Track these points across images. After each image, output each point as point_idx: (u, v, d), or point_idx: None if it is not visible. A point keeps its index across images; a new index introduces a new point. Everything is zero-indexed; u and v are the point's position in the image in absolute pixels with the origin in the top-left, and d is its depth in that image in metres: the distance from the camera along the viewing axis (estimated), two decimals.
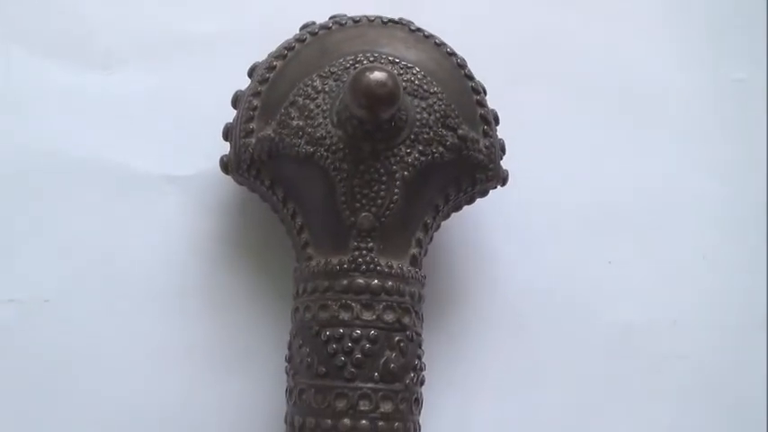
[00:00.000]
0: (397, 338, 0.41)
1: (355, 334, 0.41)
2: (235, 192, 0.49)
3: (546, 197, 0.52)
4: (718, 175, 0.55)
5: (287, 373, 0.43)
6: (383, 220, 0.42)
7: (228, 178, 0.47)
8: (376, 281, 0.41)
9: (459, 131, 0.43)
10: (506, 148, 0.47)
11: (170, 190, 0.49)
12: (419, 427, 0.43)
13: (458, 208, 0.47)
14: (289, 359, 0.43)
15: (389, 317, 0.42)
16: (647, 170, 0.54)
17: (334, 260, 0.42)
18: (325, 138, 0.42)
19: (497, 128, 0.46)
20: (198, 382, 0.48)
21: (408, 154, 0.42)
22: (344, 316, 0.41)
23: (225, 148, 0.46)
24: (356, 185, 0.42)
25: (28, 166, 0.49)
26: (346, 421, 0.40)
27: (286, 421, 0.43)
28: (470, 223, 0.51)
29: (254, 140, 0.44)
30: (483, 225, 0.52)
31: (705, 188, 0.54)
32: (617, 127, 0.54)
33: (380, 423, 0.40)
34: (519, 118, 0.49)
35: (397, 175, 0.42)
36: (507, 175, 0.46)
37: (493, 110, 0.46)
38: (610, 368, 0.52)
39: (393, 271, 0.42)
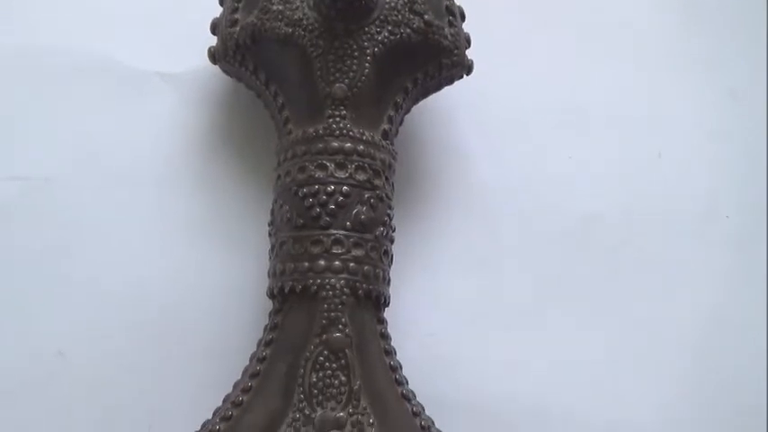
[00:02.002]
0: (367, 195, 0.46)
1: (329, 189, 0.45)
2: (223, 87, 0.54)
3: (512, 95, 0.56)
4: (677, 78, 0.58)
5: (269, 235, 0.47)
6: (355, 90, 0.46)
7: (217, 74, 0.52)
8: (349, 144, 0.46)
9: (426, 17, 0.48)
10: (475, 45, 0.51)
11: (163, 86, 0.53)
12: (388, 277, 0.47)
13: (426, 93, 0.51)
14: (271, 222, 0.47)
15: (361, 176, 0.46)
16: (607, 74, 0.58)
17: (311, 129, 0.46)
18: (302, 19, 0.47)
19: (463, 24, 0.51)
20: (188, 260, 0.52)
21: (378, 33, 0.47)
22: (320, 174, 0.45)
23: (213, 43, 0.50)
24: (330, 60, 0.46)
25: (27, 62, 0.52)
26: (321, 262, 0.44)
27: (269, 276, 0.47)
28: (440, 119, 0.55)
29: (238, 28, 0.48)
30: (452, 121, 0.56)
31: (663, 92, 0.58)
32: (587, 33, 0.58)
33: (351, 264, 0.44)
34: (489, 17, 0.54)
35: (368, 51, 0.47)
36: (472, 64, 0.51)
37: (459, 6, 0.51)
38: (568, 253, 0.56)
39: (365, 137, 0.46)
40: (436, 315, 0.54)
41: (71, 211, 0.51)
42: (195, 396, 0.48)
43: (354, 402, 0.43)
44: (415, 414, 0.45)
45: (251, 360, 0.46)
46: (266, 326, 0.46)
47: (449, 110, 0.55)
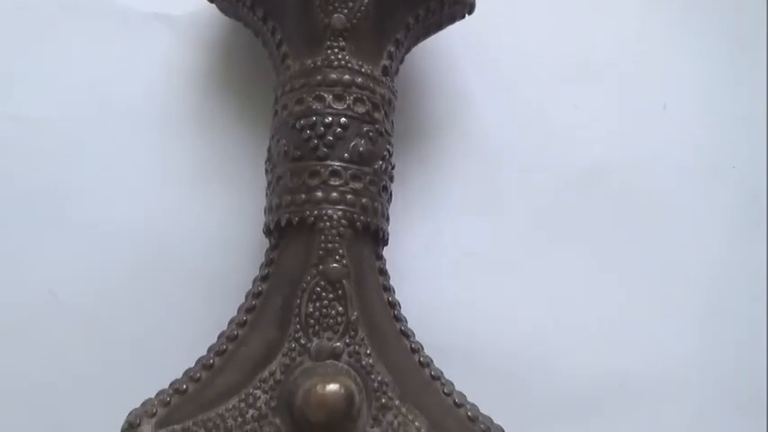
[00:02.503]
0: (366, 128, 0.45)
1: (327, 120, 0.44)
2: (221, 28, 0.53)
3: (516, 41, 0.55)
4: (683, 29, 0.58)
5: (266, 172, 0.46)
6: (354, 21, 0.45)
7: (215, 15, 0.51)
8: (347, 75, 0.45)
9: None
10: None
11: (161, 27, 0.53)
12: (387, 213, 0.46)
13: (427, 32, 0.50)
14: (268, 158, 0.46)
15: (360, 108, 0.45)
16: (613, 23, 0.57)
17: (309, 61, 0.45)
18: None
19: None
20: (185, 201, 0.51)
21: None
22: (317, 106, 0.44)
23: None
24: None
25: (23, 2, 0.52)
26: (318, 194, 0.43)
27: (265, 213, 0.46)
28: (443, 63, 0.55)
29: None
30: (455, 65, 0.55)
31: (669, 42, 0.57)
32: None
33: (349, 196, 0.43)
34: None
35: None
36: (474, 3, 0.50)
37: None
38: (570, 199, 0.55)
39: (364, 70, 0.45)
40: (436, 259, 0.53)
41: (67, 152, 0.51)
42: (192, 335, 0.47)
43: (351, 333, 0.42)
44: (414, 350, 0.44)
45: (247, 296, 0.45)
46: (262, 263, 0.45)
47: (451, 54, 0.54)
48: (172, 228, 0.50)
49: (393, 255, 0.48)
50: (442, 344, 0.48)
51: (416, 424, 0.41)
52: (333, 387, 0.37)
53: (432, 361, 0.45)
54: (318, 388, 0.37)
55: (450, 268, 0.53)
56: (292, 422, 0.39)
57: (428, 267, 0.53)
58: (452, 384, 0.45)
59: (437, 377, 0.44)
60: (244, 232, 0.50)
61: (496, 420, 0.44)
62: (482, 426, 0.43)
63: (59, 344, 0.48)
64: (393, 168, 0.47)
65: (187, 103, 0.52)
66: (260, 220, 0.47)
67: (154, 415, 0.41)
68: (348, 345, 0.41)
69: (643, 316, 0.54)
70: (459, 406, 0.43)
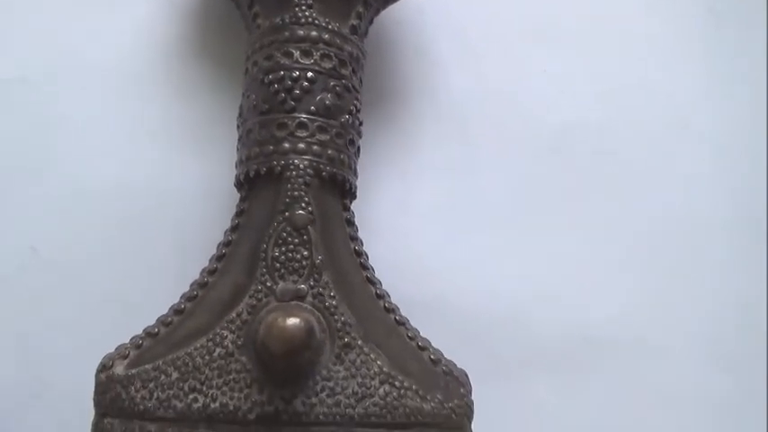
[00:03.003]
0: (333, 83, 0.46)
1: (294, 74, 0.45)
2: None
3: (488, 5, 0.57)
4: None
5: (237, 128, 0.48)
6: None
7: None
8: (314, 32, 0.46)
9: None
10: None
11: None
12: (355, 166, 0.47)
13: None
14: (239, 114, 0.48)
15: (327, 64, 0.46)
16: None
17: (278, 19, 0.47)
18: None
19: None
20: (161, 160, 0.53)
21: None
22: (285, 61, 0.46)
23: None
24: None
25: None
26: (286, 145, 0.45)
27: (236, 167, 0.47)
28: (413, 27, 0.56)
29: None
30: (425, 29, 0.56)
31: (643, 6, 0.59)
32: None
33: (315, 147, 0.45)
34: None
35: None
36: None
37: None
38: (541, 161, 0.56)
39: (331, 27, 0.47)
40: (407, 219, 0.54)
41: (47, 112, 0.52)
42: (167, 287, 0.48)
43: (316, 276, 0.43)
44: (379, 296, 0.45)
45: (218, 247, 0.46)
46: (233, 215, 0.46)
47: (422, 18, 0.56)
48: (147, 185, 0.52)
49: (363, 212, 0.50)
50: (412, 298, 0.49)
51: (378, 363, 0.42)
52: (293, 320, 0.39)
53: (398, 308, 0.46)
54: (279, 321, 0.39)
55: (420, 226, 0.54)
56: (257, 358, 0.41)
57: (398, 225, 0.54)
58: (417, 331, 0.46)
59: (402, 323, 0.45)
60: (217, 189, 0.52)
61: None
62: (444, 368, 0.44)
63: (40, 296, 0.50)
64: (361, 125, 0.48)
65: (162, 66, 0.54)
66: (232, 177, 0.49)
67: (126, 357, 0.43)
68: (312, 287, 0.43)
69: (608, 273, 0.55)
70: (422, 349, 0.45)
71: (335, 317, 0.43)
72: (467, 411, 0.44)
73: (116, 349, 0.43)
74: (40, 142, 0.52)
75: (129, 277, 0.51)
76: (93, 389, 0.43)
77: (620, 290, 0.55)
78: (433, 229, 0.54)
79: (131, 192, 0.52)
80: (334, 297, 0.43)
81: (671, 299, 0.56)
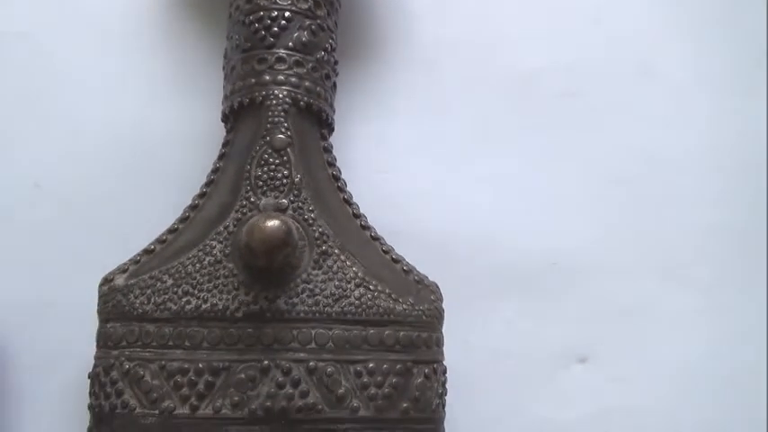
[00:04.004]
0: (308, 22, 0.50)
1: (273, 14, 0.50)
2: None
3: None
4: None
5: (223, 69, 0.52)
6: None
7: None
8: None
9: None
10: None
11: None
12: (331, 100, 0.51)
13: None
14: (224, 56, 0.52)
15: (302, 5, 0.50)
16: None
17: None
18: None
19: None
20: (155, 103, 0.57)
21: None
22: (264, 3, 0.50)
23: None
24: None
25: None
26: (266, 77, 0.49)
27: (222, 103, 0.52)
28: None
29: None
30: None
31: None
32: None
33: (293, 79, 0.49)
34: None
35: None
36: None
37: None
38: (510, 102, 0.60)
39: None
40: (383, 154, 0.58)
41: (47, 62, 0.56)
42: (159, 218, 0.52)
43: (296, 192, 0.47)
44: (356, 216, 0.50)
45: (207, 176, 0.50)
46: (220, 148, 0.51)
47: None
48: (141, 127, 0.56)
49: (342, 152, 0.53)
50: (389, 227, 0.53)
51: (354, 269, 0.47)
52: (273, 221, 0.43)
53: (374, 228, 0.50)
54: (260, 222, 0.43)
55: (395, 161, 0.58)
56: (242, 262, 0.45)
57: (374, 162, 0.58)
58: (392, 247, 0.50)
59: (377, 238, 0.50)
60: (206, 130, 0.56)
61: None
62: (416, 277, 0.49)
63: (44, 228, 0.54)
64: (336, 63, 0.52)
65: (155, 19, 0.58)
66: (216, 127, 0.53)
67: (126, 271, 0.47)
68: (293, 201, 0.47)
69: (575, 204, 0.59)
70: (395, 261, 0.49)
71: (313, 227, 0.47)
72: (437, 315, 0.48)
73: (116, 267, 0.48)
74: (41, 90, 0.56)
75: (125, 209, 0.55)
76: (95, 305, 0.47)
77: (586, 220, 0.59)
78: (408, 163, 0.58)
79: (127, 133, 0.56)
80: (312, 211, 0.47)
81: (633, 228, 0.59)
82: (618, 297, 0.58)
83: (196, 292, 0.45)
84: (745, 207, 0.61)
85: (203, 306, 0.45)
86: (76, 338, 0.50)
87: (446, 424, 0.49)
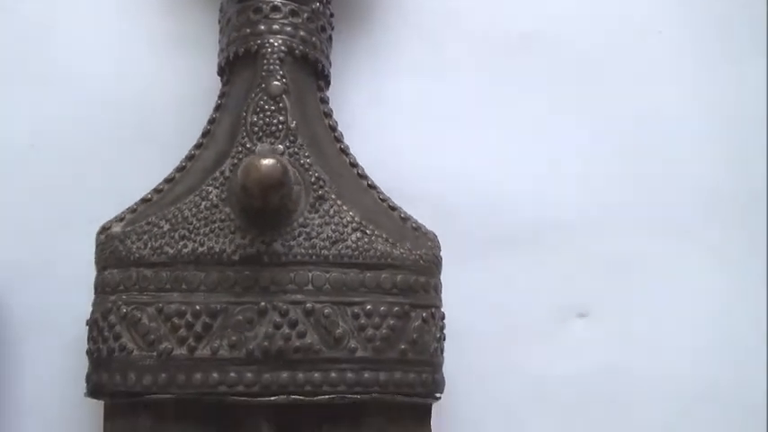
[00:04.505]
0: None
1: None
2: None
3: None
4: None
5: (218, 23, 0.52)
6: None
7: None
8: None
9: None
10: None
11: None
12: (327, 52, 0.51)
13: None
14: (220, 10, 0.52)
15: None
16: None
17: None
18: None
19: None
20: (148, 66, 0.57)
21: None
22: None
23: None
24: None
25: None
26: (261, 27, 0.48)
27: (218, 56, 0.52)
28: None
29: None
30: None
31: None
32: None
33: (288, 28, 0.49)
34: None
35: None
36: None
37: None
38: (511, 64, 0.59)
39: None
40: (380, 113, 0.58)
41: (42, 20, 0.57)
42: (160, 177, 0.52)
43: (291, 138, 0.47)
44: (353, 165, 0.50)
45: (204, 128, 0.50)
46: (216, 100, 0.51)
47: None
48: (137, 88, 0.56)
49: (338, 111, 0.53)
50: (387, 185, 0.52)
51: (351, 213, 0.47)
52: (268, 160, 0.43)
53: (371, 178, 0.50)
54: (255, 161, 0.43)
55: (394, 120, 0.58)
56: (239, 206, 0.45)
57: (373, 120, 0.58)
58: (389, 197, 0.50)
59: (374, 187, 0.50)
60: (205, 86, 0.56)
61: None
62: (413, 224, 0.49)
63: (40, 187, 0.55)
64: (332, 16, 0.52)
65: None
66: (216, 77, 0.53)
67: (123, 219, 0.47)
68: (288, 147, 0.47)
69: (575, 161, 0.59)
70: (392, 209, 0.49)
71: (309, 172, 0.47)
72: (434, 261, 0.48)
73: (114, 217, 0.48)
74: (36, 49, 0.56)
75: (122, 169, 0.55)
76: (93, 260, 0.47)
77: (586, 178, 0.59)
78: (407, 122, 0.58)
79: (124, 91, 0.56)
80: (308, 157, 0.47)
81: (634, 186, 0.59)
82: (618, 254, 0.58)
83: (193, 236, 0.45)
84: (745, 164, 0.60)
85: (200, 249, 0.45)
86: (75, 295, 0.50)
87: (445, 379, 0.49)
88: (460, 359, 0.54)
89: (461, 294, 0.54)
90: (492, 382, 0.56)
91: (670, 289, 0.58)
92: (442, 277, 0.50)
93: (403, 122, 0.59)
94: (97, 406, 0.48)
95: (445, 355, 0.50)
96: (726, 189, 0.60)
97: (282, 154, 0.47)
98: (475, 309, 0.56)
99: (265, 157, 0.43)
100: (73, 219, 0.54)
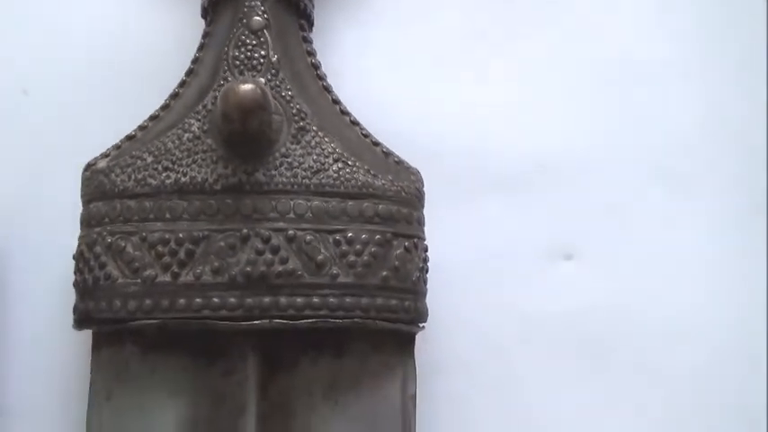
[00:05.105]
0: None
1: None
2: None
3: None
4: None
5: None
6: None
7: None
8: None
9: None
10: None
11: None
12: None
13: None
14: None
15: None
16: None
17: None
18: None
19: None
20: (136, 11, 0.57)
21: None
22: None
23: None
24: None
25: None
26: None
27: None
28: None
29: None
30: None
31: None
32: None
33: None
34: None
35: None
36: None
37: None
38: (497, 6, 0.60)
39: None
40: (368, 60, 0.58)
41: None
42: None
43: (273, 72, 0.48)
44: (335, 102, 0.50)
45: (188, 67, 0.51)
46: (200, 40, 0.51)
47: None
48: (129, 30, 0.56)
49: (324, 56, 0.53)
50: (374, 129, 0.53)
51: (332, 145, 0.47)
52: (247, 85, 0.43)
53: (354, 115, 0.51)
54: (233, 85, 0.43)
55: (381, 67, 0.58)
56: (221, 139, 0.46)
57: (359, 66, 0.58)
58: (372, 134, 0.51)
59: (357, 123, 0.50)
60: (192, 34, 0.56)
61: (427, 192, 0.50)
62: (395, 159, 0.49)
63: (33, 131, 0.55)
64: None
65: None
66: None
67: (107, 155, 0.48)
68: (269, 80, 0.48)
69: (562, 105, 0.59)
70: (375, 144, 0.50)
71: (291, 104, 0.47)
72: (417, 194, 0.49)
73: (99, 153, 0.49)
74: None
75: (112, 114, 0.55)
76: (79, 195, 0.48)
77: (573, 122, 0.59)
78: (393, 68, 0.58)
79: (113, 38, 0.56)
80: (290, 90, 0.48)
81: (620, 130, 0.59)
82: (605, 196, 0.58)
83: (175, 167, 0.46)
84: (735, 106, 0.60)
85: (182, 180, 0.45)
86: (63, 235, 0.51)
87: (431, 321, 0.50)
88: (446, 299, 0.54)
89: (448, 236, 0.55)
90: (478, 321, 0.56)
91: (657, 231, 0.58)
92: (428, 219, 0.50)
93: (390, 68, 0.59)
94: (86, 341, 0.48)
95: (430, 294, 0.50)
96: (715, 132, 0.60)
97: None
98: (461, 251, 0.57)
99: (244, 81, 0.43)
100: (65, 163, 0.54)
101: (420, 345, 0.50)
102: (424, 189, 0.50)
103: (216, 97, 0.47)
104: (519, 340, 0.56)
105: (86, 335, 0.48)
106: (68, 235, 0.49)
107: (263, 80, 0.47)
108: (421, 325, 0.48)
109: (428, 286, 0.50)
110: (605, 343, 0.57)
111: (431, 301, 0.50)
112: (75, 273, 0.47)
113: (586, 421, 0.56)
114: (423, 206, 0.50)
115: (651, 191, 0.59)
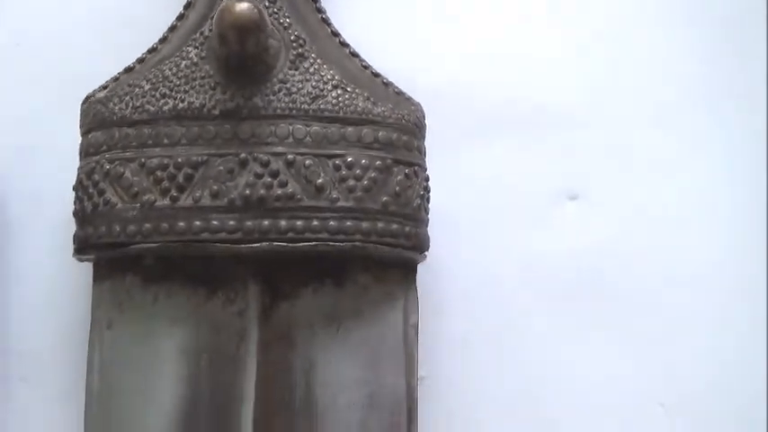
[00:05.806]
0: None
1: None
2: None
3: None
4: None
5: None
6: None
7: None
8: None
9: None
10: None
11: None
12: None
13: None
14: None
15: None
16: None
17: None
18: None
19: None
20: None
21: None
22: None
23: None
24: None
25: None
26: None
27: None
28: None
29: None
30: None
31: None
32: None
33: None
34: None
35: None
36: None
37: None
38: None
39: None
40: (370, 8, 0.58)
41: None
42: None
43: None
44: (335, 34, 0.50)
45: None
46: None
47: None
48: None
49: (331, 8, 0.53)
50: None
51: (331, 72, 0.47)
52: (242, 3, 0.43)
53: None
54: (229, 4, 0.43)
55: (382, 14, 0.58)
56: (218, 65, 0.45)
57: (360, 14, 0.57)
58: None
59: (356, 55, 0.50)
60: None
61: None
62: (396, 90, 0.49)
63: (28, 83, 0.55)
64: None
65: None
66: None
67: (106, 87, 0.48)
68: (267, 7, 0.47)
69: (562, 52, 0.59)
70: (375, 75, 0.49)
71: (289, 31, 0.47)
72: (417, 123, 0.48)
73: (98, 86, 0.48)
74: None
75: (107, 65, 0.54)
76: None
77: (574, 68, 0.58)
78: (395, 14, 0.58)
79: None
80: (288, 17, 0.47)
81: (621, 77, 0.59)
82: (607, 140, 0.58)
83: (173, 93, 0.46)
84: (734, 56, 0.60)
85: (180, 105, 0.45)
86: (63, 179, 0.50)
87: (435, 262, 0.50)
88: (448, 241, 0.54)
89: (449, 180, 0.55)
90: (481, 262, 0.56)
91: (660, 172, 0.58)
92: (429, 162, 0.50)
93: (392, 15, 0.58)
94: (87, 276, 0.48)
95: (432, 237, 0.49)
96: (714, 79, 0.60)
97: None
98: (464, 192, 0.57)
99: (240, 1, 0.43)
100: (60, 111, 0.54)
101: (422, 285, 0.50)
102: (426, 121, 0.50)
103: (213, 23, 0.46)
104: (521, 280, 0.56)
105: (87, 270, 0.48)
106: (69, 183, 0.49)
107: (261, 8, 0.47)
108: (422, 253, 0.48)
109: (429, 229, 0.49)
110: (608, 282, 0.57)
111: (433, 243, 0.50)
112: (74, 202, 0.46)
113: (586, 360, 0.55)
114: (424, 137, 0.49)
115: (653, 132, 0.58)
